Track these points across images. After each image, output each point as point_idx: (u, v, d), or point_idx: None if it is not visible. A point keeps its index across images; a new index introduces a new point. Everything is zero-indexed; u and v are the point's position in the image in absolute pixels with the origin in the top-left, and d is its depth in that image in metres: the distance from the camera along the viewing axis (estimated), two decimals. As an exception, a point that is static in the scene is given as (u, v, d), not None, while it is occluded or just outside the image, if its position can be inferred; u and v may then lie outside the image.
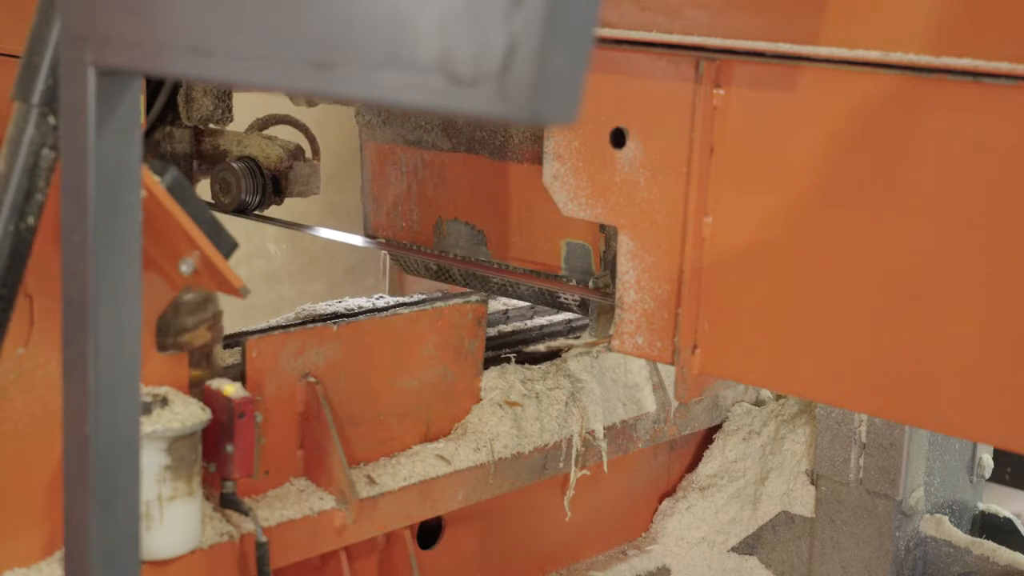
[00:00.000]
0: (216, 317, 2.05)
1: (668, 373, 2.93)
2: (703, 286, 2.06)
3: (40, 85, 1.35)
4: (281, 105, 3.11)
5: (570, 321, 3.17)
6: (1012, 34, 1.64)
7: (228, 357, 2.23)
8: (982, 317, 1.73)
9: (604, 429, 2.74)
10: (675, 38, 1.98)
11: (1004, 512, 3.07)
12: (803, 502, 2.97)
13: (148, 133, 2.80)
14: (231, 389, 2.01)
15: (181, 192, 1.83)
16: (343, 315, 2.53)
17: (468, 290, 2.75)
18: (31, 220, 1.39)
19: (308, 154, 2.95)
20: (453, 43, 0.84)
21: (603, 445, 2.73)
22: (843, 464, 2.86)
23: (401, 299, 2.86)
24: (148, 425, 1.85)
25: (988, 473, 3.07)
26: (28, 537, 1.86)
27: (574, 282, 2.78)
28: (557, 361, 2.80)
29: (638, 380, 2.89)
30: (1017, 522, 3.04)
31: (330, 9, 0.91)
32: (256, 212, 2.86)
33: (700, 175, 2.02)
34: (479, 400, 2.56)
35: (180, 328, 1.96)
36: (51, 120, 1.36)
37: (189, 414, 1.91)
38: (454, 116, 1.97)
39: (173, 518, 1.90)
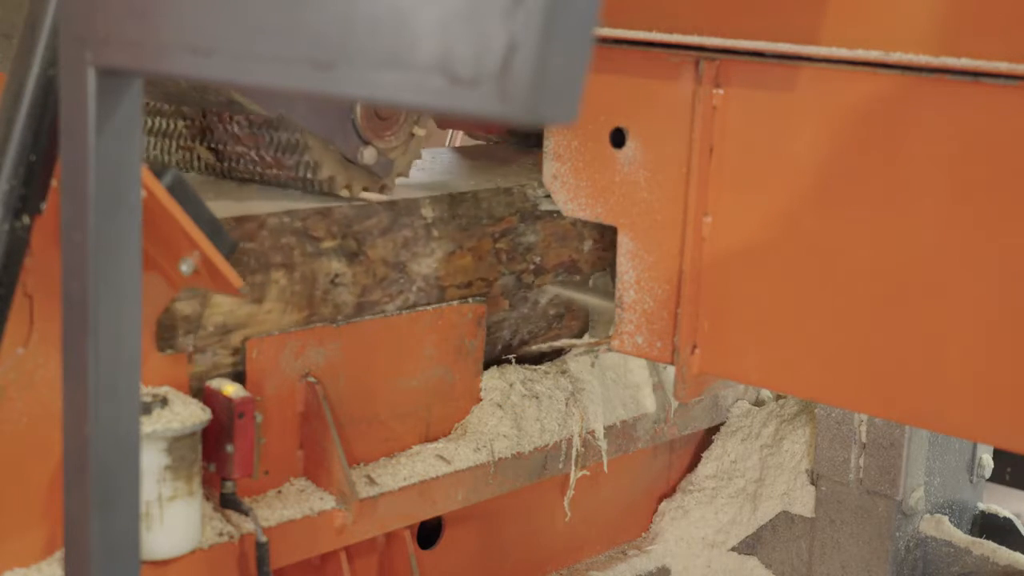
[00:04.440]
0: None
1: (668, 373, 2.93)
2: (702, 286, 2.06)
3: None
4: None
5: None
6: (1012, 34, 1.64)
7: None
8: (981, 317, 1.73)
9: (604, 429, 2.74)
10: (675, 38, 1.98)
11: (1004, 512, 3.07)
12: (803, 502, 2.97)
13: None
14: (231, 389, 2.01)
15: (181, 192, 1.83)
16: None
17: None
18: (26, 219, 1.39)
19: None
20: (453, 43, 0.84)
21: (603, 445, 2.73)
22: (843, 464, 2.86)
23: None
24: (148, 425, 1.85)
25: (988, 473, 3.07)
26: (28, 537, 1.86)
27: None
28: (557, 361, 2.80)
29: (638, 380, 2.89)
30: (1017, 522, 3.04)
31: (330, 9, 0.91)
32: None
33: (700, 175, 2.02)
34: (479, 400, 2.56)
35: None
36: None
37: (189, 414, 1.91)
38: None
39: (173, 518, 1.90)
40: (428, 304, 2.43)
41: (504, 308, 2.62)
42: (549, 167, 2.25)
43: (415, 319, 2.40)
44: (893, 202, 1.81)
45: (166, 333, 2.02)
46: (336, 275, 2.26)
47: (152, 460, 1.86)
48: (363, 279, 2.31)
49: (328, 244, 2.26)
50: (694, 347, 2.08)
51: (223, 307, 2.10)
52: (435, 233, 2.45)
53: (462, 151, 3.19)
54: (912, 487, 2.80)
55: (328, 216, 2.27)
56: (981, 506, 3.09)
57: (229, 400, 1.99)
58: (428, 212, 2.44)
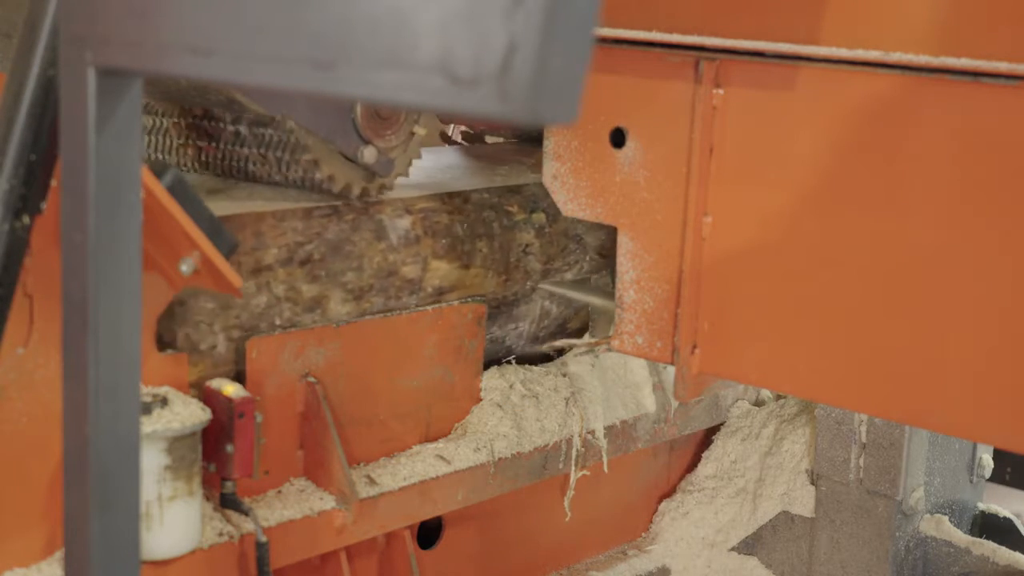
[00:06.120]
0: None
1: (668, 373, 2.93)
2: (702, 286, 2.06)
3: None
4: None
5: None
6: (1012, 34, 1.64)
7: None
8: (981, 316, 1.73)
9: (604, 429, 2.74)
10: (675, 38, 1.98)
11: (1004, 512, 3.07)
12: (803, 502, 2.97)
13: None
14: (231, 389, 2.01)
15: (181, 192, 1.83)
16: None
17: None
18: (26, 219, 1.39)
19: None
20: (453, 43, 0.84)
21: (603, 445, 2.73)
22: (843, 464, 2.86)
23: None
24: (148, 425, 1.85)
25: (988, 473, 3.07)
26: (28, 537, 1.86)
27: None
28: (557, 361, 2.80)
29: (638, 380, 2.89)
30: (1017, 522, 3.04)
31: (330, 9, 0.91)
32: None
33: (700, 175, 2.02)
34: (479, 400, 2.56)
35: None
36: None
37: (189, 414, 1.91)
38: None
39: (173, 518, 1.90)
40: (599, 273, 2.77)
41: None
42: (549, 167, 2.25)
43: (415, 319, 2.40)
44: (893, 202, 1.81)
45: (399, 294, 2.34)
46: (527, 245, 2.63)
47: (152, 460, 1.86)
48: (548, 249, 2.68)
49: (519, 218, 2.60)
50: (694, 347, 2.08)
51: (440, 271, 2.43)
52: None
53: None
54: (912, 487, 2.80)
55: (519, 193, 2.64)
56: (981, 506, 3.09)
57: (229, 400, 1.99)
58: None
